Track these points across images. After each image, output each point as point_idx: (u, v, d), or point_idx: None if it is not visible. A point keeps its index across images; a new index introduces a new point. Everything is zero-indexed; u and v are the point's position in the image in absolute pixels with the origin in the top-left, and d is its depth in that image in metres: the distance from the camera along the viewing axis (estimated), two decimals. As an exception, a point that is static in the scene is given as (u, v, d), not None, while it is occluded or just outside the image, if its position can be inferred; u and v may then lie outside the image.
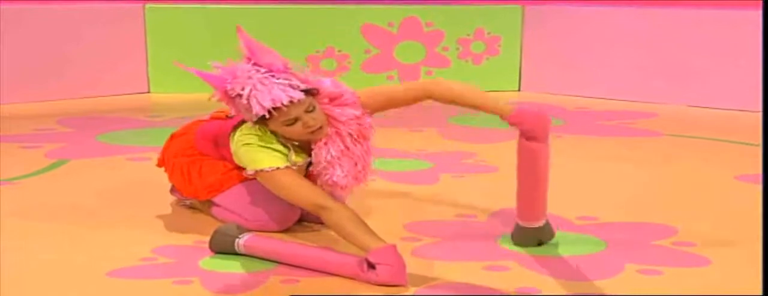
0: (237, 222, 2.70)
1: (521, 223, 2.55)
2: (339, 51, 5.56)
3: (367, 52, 5.62)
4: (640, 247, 2.60)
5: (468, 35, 5.71)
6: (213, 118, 2.88)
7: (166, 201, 3.00)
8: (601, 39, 5.45)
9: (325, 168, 2.51)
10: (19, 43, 5.09)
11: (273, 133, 2.50)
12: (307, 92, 2.41)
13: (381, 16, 5.63)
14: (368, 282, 2.25)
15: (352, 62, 5.59)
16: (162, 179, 2.95)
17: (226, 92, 2.42)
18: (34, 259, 2.49)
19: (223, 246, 2.48)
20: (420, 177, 3.46)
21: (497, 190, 3.15)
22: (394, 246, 2.28)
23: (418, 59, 5.68)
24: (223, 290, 2.26)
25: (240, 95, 2.39)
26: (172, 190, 2.96)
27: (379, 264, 2.24)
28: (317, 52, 5.52)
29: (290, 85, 2.38)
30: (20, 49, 5.09)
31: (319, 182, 2.55)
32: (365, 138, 2.55)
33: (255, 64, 2.41)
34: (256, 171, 2.50)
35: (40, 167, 3.57)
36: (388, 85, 2.67)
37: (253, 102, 2.37)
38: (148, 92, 5.53)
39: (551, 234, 2.57)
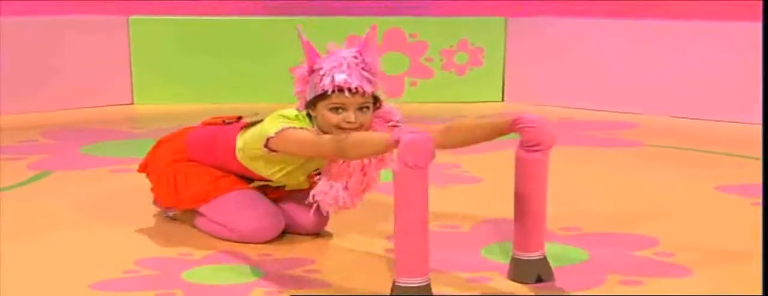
0: (220, 233, 2.70)
1: (520, 255, 2.37)
2: (323, 62, 5.56)
3: (351, 63, 5.62)
4: (622, 258, 2.61)
5: (451, 46, 5.72)
6: (205, 124, 2.88)
7: (149, 212, 2.99)
8: (583, 51, 5.48)
9: (334, 177, 2.50)
10: (2, 55, 5.06)
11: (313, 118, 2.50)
12: (374, 97, 2.47)
13: (365, 28, 5.60)
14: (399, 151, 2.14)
15: (336, 73, 5.58)
16: (146, 191, 2.94)
17: (312, 66, 2.44)
18: (16, 270, 2.48)
19: None
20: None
21: (480, 201, 3.16)
22: (411, 128, 2.23)
23: (402, 70, 5.69)
24: (206, 302, 2.26)
25: (321, 68, 2.42)
26: (156, 202, 2.95)
27: (398, 138, 2.11)
28: (302, 63, 5.50)
29: (368, 79, 2.42)
30: (3, 61, 5.07)
31: (316, 189, 2.53)
32: (383, 166, 2.54)
33: (359, 53, 2.45)
34: (277, 133, 2.46)
35: (23, 179, 3.56)
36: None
37: (327, 78, 2.39)
38: (132, 104, 5.52)
39: (551, 274, 2.38)
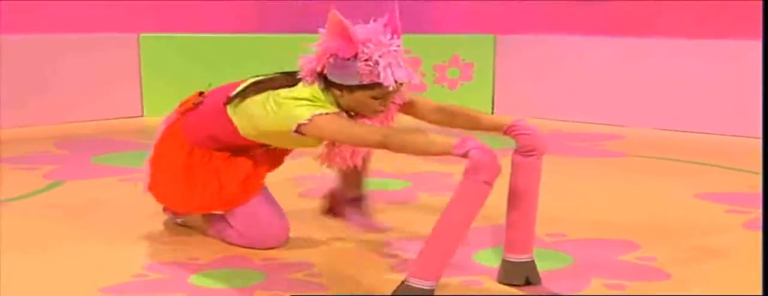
0: (232, 238, 2.68)
1: (510, 258, 2.38)
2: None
3: (349, 78, 5.64)
4: (605, 262, 2.62)
5: (444, 62, 5.75)
6: (184, 112, 2.73)
7: (158, 220, 2.99)
8: (569, 66, 5.50)
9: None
10: (19, 70, 5.08)
11: (332, 96, 2.40)
12: None
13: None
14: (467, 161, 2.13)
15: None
16: (154, 199, 2.94)
17: (355, 52, 2.29)
18: (30, 274, 2.48)
19: None
20: (399, 195, 3.47)
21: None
22: (470, 137, 2.16)
23: (397, 85, 5.69)
24: (211, 305, 2.26)
25: (369, 59, 2.28)
26: (165, 209, 2.94)
27: (467, 150, 2.11)
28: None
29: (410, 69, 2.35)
30: (20, 75, 5.08)
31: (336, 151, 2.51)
32: (389, 117, 2.53)
33: (393, 33, 2.31)
34: (310, 120, 2.33)
35: (37, 188, 3.56)
36: (417, 95, 2.63)
37: (387, 72, 2.27)
38: (142, 116, 5.53)
39: (538, 277, 2.38)
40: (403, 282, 2.17)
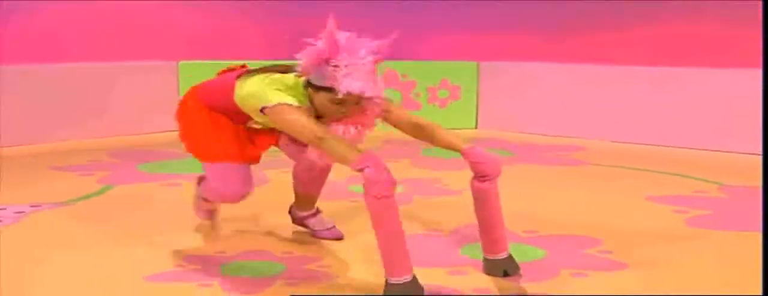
0: (204, 192, 2.66)
1: (488, 256, 2.38)
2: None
3: (355, 98, 5.64)
4: (572, 255, 2.60)
5: (435, 84, 5.74)
6: (220, 73, 2.65)
7: (192, 219, 2.99)
8: (541, 88, 5.49)
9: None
10: (80, 92, 5.08)
11: (308, 93, 2.26)
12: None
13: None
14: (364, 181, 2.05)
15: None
16: (190, 202, 2.93)
17: (330, 57, 2.14)
18: (85, 265, 2.48)
19: None
20: (397, 198, 3.45)
21: (459, 210, 3.15)
22: (370, 151, 2.08)
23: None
24: (238, 291, 2.24)
25: (337, 65, 2.14)
26: (198, 212, 2.91)
27: (362, 168, 2.06)
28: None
29: (379, 86, 2.20)
30: (80, 97, 5.09)
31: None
32: (366, 128, 2.32)
33: (377, 59, 2.16)
34: (273, 106, 2.21)
35: (92, 191, 3.55)
36: (401, 107, 2.46)
37: (346, 80, 2.13)
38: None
39: (517, 269, 2.36)
40: (387, 282, 2.13)
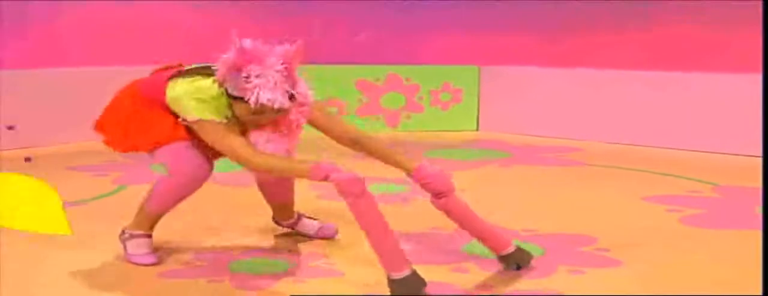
0: (160, 184, 2.40)
1: (497, 254, 2.39)
2: (339, 100, 5.60)
3: (359, 100, 5.65)
4: (569, 252, 2.61)
5: (437, 87, 5.74)
6: (154, 72, 2.53)
7: (202, 218, 3.00)
8: (540, 91, 5.49)
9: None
10: (98, 95, 5.07)
11: (229, 102, 2.18)
12: (291, 97, 2.14)
13: (370, 73, 5.66)
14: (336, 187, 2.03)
15: (348, 109, 5.62)
16: (200, 201, 2.93)
17: (240, 67, 2.08)
18: (101, 262, 2.49)
19: None
20: (399, 198, 3.46)
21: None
22: (318, 161, 2.07)
23: (399, 106, 5.70)
24: (246, 287, 2.25)
25: (248, 76, 2.07)
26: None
27: (326, 176, 2.05)
28: (321, 100, 5.52)
29: (288, 93, 2.11)
30: (97, 100, 5.08)
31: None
32: (292, 132, 2.27)
33: (287, 68, 2.09)
34: (192, 121, 2.17)
35: (107, 191, 3.56)
36: (340, 118, 2.46)
37: (256, 92, 2.06)
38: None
39: (528, 259, 2.38)
40: (388, 278, 2.12)
